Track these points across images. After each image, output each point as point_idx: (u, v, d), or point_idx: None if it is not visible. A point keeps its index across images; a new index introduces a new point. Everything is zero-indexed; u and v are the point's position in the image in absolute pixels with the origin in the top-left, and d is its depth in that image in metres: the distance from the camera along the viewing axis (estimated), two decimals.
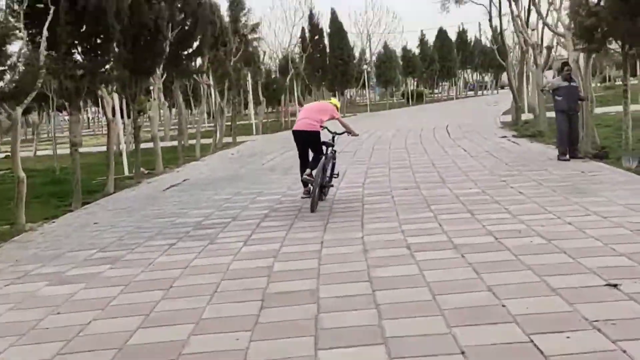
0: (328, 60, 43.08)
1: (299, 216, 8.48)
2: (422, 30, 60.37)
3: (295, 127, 9.48)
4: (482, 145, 16.07)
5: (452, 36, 62.77)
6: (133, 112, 15.49)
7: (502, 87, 78.50)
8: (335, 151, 9.99)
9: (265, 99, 32.04)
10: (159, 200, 11.17)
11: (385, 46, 52.80)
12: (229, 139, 24.79)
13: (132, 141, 16.11)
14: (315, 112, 9.49)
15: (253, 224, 8.09)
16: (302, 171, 9.27)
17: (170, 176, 15.00)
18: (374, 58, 58.93)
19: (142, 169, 15.43)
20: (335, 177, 9.96)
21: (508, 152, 14.00)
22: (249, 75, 29.44)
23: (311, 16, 41.96)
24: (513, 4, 19.96)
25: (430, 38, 60.75)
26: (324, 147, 9.39)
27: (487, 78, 71.83)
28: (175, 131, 29.74)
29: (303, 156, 9.47)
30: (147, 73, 15.02)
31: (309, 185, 9.12)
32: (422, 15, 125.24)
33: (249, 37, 25.51)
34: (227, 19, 23.49)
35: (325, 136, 9.49)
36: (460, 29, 64.46)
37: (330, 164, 9.66)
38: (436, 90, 68.75)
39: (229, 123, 24.95)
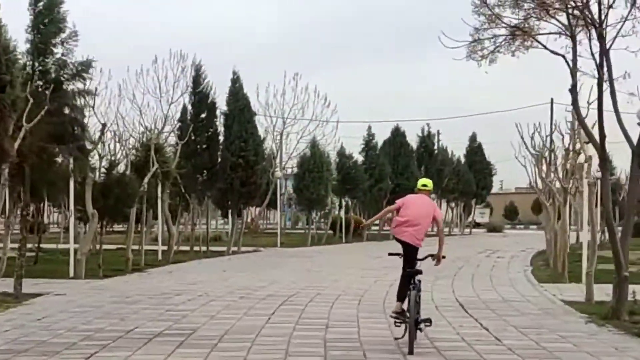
0: (221, 156, 34.97)
1: None
2: (369, 126, 53.43)
3: (403, 237, 11.11)
4: None
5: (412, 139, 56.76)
6: None
7: (477, 225, 72.48)
8: (420, 281, 11.22)
9: (100, 213, 23.48)
10: None
11: (314, 146, 45.72)
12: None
13: None
14: (425, 216, 11.21)
15: None
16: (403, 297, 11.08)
17: None
18: (293, 162, 51.91)
19: None
20: (427, 325, 11.04)
21: None
22: (70, 164, 21.03)
23: (197, 81, 33.82)
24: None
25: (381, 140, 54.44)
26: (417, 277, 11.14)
27: (455, 211, 65.36)
28: None
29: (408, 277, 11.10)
30: None
31: (401, 322, 10.99)
32: (370, 101, 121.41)
33: (68, 85, 17.31)
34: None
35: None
36: (425, 131, 58.72)
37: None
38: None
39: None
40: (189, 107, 33.79)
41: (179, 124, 34.30)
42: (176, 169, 31.55)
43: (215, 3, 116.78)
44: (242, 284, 20.44)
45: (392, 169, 53.10)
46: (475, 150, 64.80)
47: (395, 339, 11.02)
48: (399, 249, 11.23)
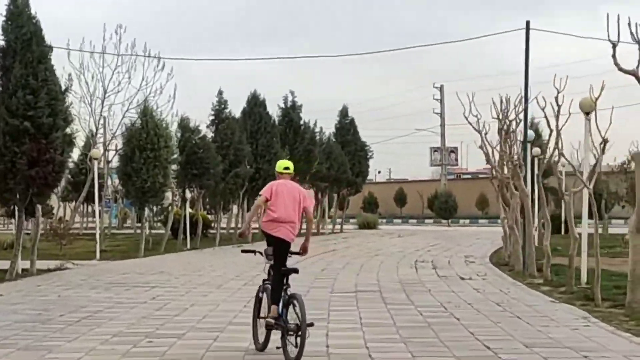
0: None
1: None
2: (220, 90, 38.95)
3: (277, 233, 9.93)
4: None
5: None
6: None
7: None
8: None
9: None
10: None
11: (146, 114, 31.84)
12: None
13: None
14: (297, 205, 10.05)
15: None
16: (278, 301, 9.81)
17: None
18: (118, 143, 38.92)
19: None
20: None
21: None
22: None
23: None
24: None
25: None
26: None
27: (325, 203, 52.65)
28: None
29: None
30: None
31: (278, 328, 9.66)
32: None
33: None
34: None
35: None
36: (289, 102, 45.53)
37: None
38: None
39: None
40: None
41: None
42: None
43: None
44: None
45: (251, 149, 40.13)
46: (347, 127, 52.24)
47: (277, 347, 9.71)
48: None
